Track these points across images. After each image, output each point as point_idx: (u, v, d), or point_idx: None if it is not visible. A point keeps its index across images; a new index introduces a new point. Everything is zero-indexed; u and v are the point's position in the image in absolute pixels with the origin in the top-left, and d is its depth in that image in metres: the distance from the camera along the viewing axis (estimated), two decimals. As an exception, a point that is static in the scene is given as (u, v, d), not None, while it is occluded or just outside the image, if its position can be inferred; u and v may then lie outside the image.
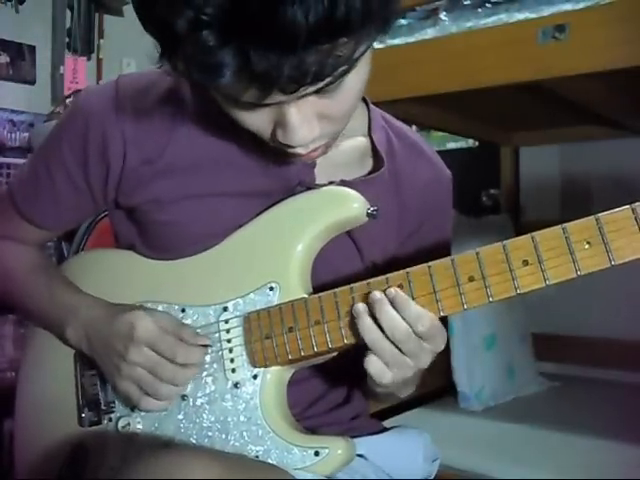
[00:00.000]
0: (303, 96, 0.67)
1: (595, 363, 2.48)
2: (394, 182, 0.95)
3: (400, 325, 0.74)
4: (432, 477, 1.00)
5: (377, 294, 0.75)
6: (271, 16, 0.56)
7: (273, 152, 0.80)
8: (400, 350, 0.75)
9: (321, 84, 0.65)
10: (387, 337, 0.75)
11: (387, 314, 0.74)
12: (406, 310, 0.74)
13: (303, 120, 0.70)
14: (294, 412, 0.87)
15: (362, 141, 0.95)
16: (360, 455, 0.92)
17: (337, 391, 0.98)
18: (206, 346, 0.86)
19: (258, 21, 0.57)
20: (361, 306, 0.76)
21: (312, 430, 0.88)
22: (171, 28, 0.59)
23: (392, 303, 0.75)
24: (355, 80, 0.70)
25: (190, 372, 0.85)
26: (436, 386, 2.24)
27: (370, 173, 0.93)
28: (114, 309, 0.89)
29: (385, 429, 1.01)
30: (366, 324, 0.76)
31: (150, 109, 0.88)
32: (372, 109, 0.98)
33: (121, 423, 0.90)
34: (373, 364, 0.76)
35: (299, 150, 0.74)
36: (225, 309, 0.86)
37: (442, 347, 0.78)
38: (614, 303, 2.40)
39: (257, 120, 0.72)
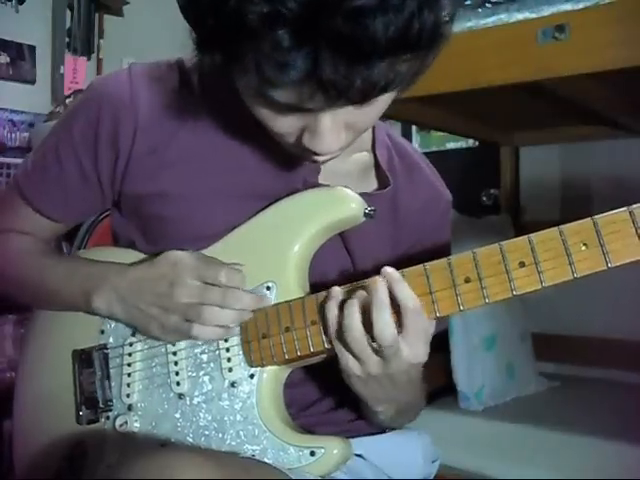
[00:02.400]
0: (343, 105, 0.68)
1: (595, 363, 2.48)
2: (392, 201, 0.96)
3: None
4: (432, 477, 1.00)
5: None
6: (352, 26, 0.57)
7: (280, 152, 0.81)
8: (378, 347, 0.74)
9: (373, 98, 0.66)
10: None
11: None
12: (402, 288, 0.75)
13: (333, 129, 0.71)
14: (292, 411, 0.87)
15: (366, 156, 0.97)
16: (359, 455, 0.92)
17: (336, 394, 0.98)
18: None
19: (338, 28, 0.57)
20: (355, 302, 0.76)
21: (310, 429, 0.88)
22: (242, 22, 0.59)
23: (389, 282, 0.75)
24: (389, 95, 0.71)
25: (237, 294, 0.83)
26: (436, 386, 2.24)
27: (377, 189, 0.94)
28: (146, 263, 0.88)
29: (384, 431, 1.01)
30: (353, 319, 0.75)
31: (163, 99, 0.88)
32: (377, 125, 0.98)
33: (118, 421, 0.90)
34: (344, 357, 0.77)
35: (318, 158, 0.76)
36: None
37: (421, 357, 0.77)
38: (614, 303, 2.39)
39: (286, 123, 0.73)
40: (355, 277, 0.91)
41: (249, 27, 0.59)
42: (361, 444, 0.93)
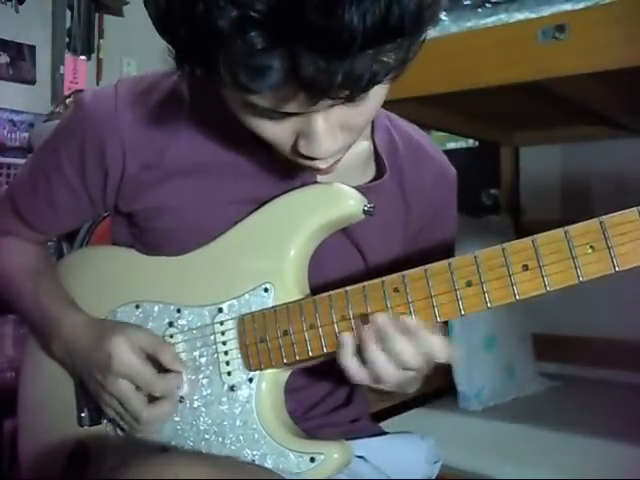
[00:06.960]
0: (333, 105, 0.64)
1: (595, 363, 2.48)
2: (398, 184, 0.94)
3: (412, 355, 0.72)
4: (433, 478, 1.00)
5: (385, 321, 0.73)
6: (326, 18, 0.53)
7: (277, 157, 0.78)
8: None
9: (360, 94, 0.63)
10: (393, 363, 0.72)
11: (398, 344, 0.72)
12: (420, 341, 0.72)
13: (328, 131, 0.68)
14: (295, 414, 0.86)
15: (365, 145, 0.93)
16: (360, 457, 0.92)
17: (338, 393, 0.98)
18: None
19: (311, 22, 0.53)
20: (367, 334, 0.73)
21: (312, 432, 0.88)
22: (212, 29, 0.56)
23: (402, 332, 0.72)
24: (381, 90, 0.69)
25: (161, 407, 0.86)
26: (436, 386, 2.24)
27: (374, 179, 0.91)
28: (93, 333, 0.89)
29: (385, 433, 1.01)
30: (374, 352, 0.72)
31: (150, 113, 0.86)
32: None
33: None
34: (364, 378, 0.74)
35: (319, 164, 0.72)
36: (220, 310, 0.85)
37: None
38: (614, 303, 2.39)
39: (279, 131, 0.69)
40: (366, 270, 0.90)
41: (220, 34, 0.55)
42: (363, 446, 0.92)
